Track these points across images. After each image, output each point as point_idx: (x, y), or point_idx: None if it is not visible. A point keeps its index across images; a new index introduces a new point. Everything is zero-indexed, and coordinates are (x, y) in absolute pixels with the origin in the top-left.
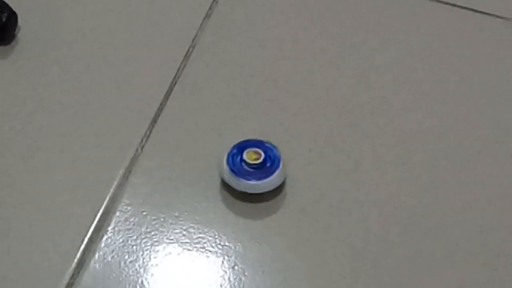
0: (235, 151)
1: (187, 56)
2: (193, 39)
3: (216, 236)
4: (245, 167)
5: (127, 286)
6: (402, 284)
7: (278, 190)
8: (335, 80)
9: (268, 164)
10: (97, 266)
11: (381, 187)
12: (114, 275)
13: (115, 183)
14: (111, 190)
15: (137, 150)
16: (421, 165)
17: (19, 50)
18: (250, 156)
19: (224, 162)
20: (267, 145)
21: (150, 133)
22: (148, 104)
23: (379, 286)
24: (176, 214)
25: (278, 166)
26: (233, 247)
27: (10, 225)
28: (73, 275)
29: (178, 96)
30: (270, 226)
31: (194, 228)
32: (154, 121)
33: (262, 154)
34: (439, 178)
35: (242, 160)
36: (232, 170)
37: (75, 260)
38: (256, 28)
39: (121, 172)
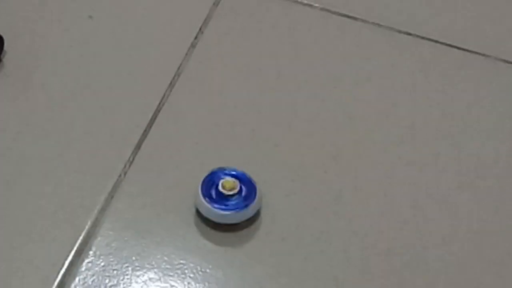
0: (208, 180)
1: (171, 84)
2: (178, 68)
3: (197, 263)
4: (219, 196)
5: None
6: None
7: (260, 219)
8: (319, 112)
9: (243, 195)
10: None
11: (362, 218)
12: None
13: (98, 207)
14: (93, 215)
15: (120, 175)
16: (402, 198)
17: (4, 74)
18: (226, 185)
19: (199, 191)
20: (242, 174)
21: (133, 159)
22: (132, 131)
23: None
24: (158, 240)
25: (255, 197)
26: (214, 274)
27: None
28: None
29: (162, 123)
30: (251, 254)
31: (175, 254)
32: (138, 147)
33: (238, 183)
34: (420, 211)
35: (217, 189)
36: (207, 200)
37: (56, 284)
38: (241, 59)
39: (103, 197)
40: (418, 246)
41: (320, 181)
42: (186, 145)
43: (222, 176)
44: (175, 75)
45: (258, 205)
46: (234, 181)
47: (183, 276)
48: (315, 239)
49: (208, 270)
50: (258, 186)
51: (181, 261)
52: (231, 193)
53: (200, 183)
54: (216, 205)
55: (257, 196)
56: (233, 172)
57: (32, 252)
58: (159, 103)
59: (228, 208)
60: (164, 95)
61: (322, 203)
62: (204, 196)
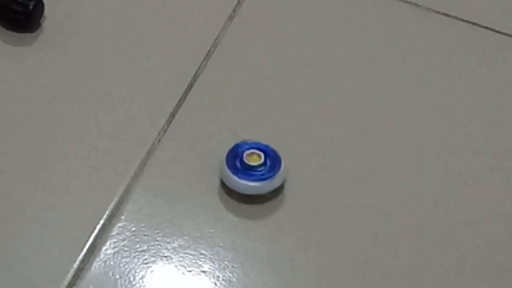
0: (235, 151)
1: (208, 55)
2: (215, 39)
3: (227, 232)
4: (244, 168)
5: (137, 274)
6: None
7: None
8: (353, 88)
9: (268, 167)
10: (108, 253)
11: (392, 195)
12: (124, 262)
13: (130, 173)
14: (126, 181)
15: (153, 143)
16: (433, 177)
17: (43, 38)
18: (251, 158)
19: (224, 162)
20: (265, 146)
21: (167, 127)
22: (167, 99)
23: None
24: (188, 208)
25: (279, 168)
26: (243, 244)
27: (24, 208)
28: (83, 260)
29: (197, 93)
30: (280, 226)
31: (205, 223)
32: (172, 116)
33: (262, 155)
34: (451, 191)
35: (241, 161)
36: (231, 171)
37: (87, 246)
38: (278, 32)
39: (136, 163)
40: (447, 226)
41: (352, 157)
42: (220, 116)
43: (246, 148)
44: (211, 46)
45: (282, 176)
46: (258, 153)
47: (212, 244)
48: (345, 214)
49: (237, 240)
50: (282, 158)
51: (211, 230)
52: (255, 164)
53: (225, 155)
54: (240, 176)
55: (281, 167)
56: (257, 145)
57: (64, 214)
58: (195, 73)
59: (252, 179)
60: (200, 65)
61: (353, 179)
62: (229, 167)
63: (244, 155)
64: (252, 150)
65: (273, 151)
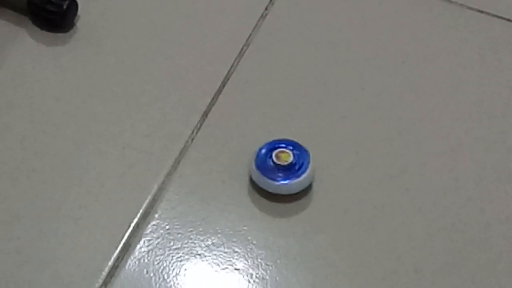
0: (264, 151)
1: (240, 54)
2: (248, 38)
3: (260, 230)
4: (274, 167)
5: (171, 272)
6: None
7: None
8: (386, 86)
9: (297, 166)
10: (142, 251)
11: (426, 193)
12: (158, 260)
13: (164, 172)
14: (160, 179)
15: (187, 141)
16: (468, 174)
17: (77, 38)
18: (280, 157)
19: (253, 162)
20: (294, 144)
21: (201, 126)
22: (201, 98)
23: None
24: (222, 206)
25: (306, 169)
26: (276, 242)
27: (59, 206)
28: (118, 258)
29: (230, 92)
30: (313, 224)
31: (238, 221)
32: (206, 114)
33: (291, 154)
34: (485, 188)
35: (271, 160)
36: (260, 170)
37: (121, 244)
38: (310, 31)
39: (170, 162)
40: (481, 224)
41: (385, 155)
42: (253, 114)
43: (276, 147)
44: (244, 45)
45: (312, 174)
46: (288, 152)
47: (245, 242)
48: (378, 212)
49: (270, 238)
50: (314, 156)
51: (244, 228)
52: (285, 163)
53: (254, 155)
54: (270, 176)
55: (310, 165)
56: (285, 144)
57: (99, 212)
58: (228, 72)
59: (281, 179)
60: (233, 64)
61: (386, 177)
62: (258, 168)
63: (274, 154)
64: (281, 149)
65: (301, 148)
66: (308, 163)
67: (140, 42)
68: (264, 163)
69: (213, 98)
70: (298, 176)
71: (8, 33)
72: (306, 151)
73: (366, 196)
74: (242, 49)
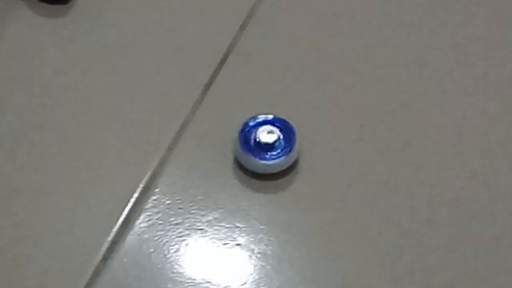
0: (247, 128)
1: (243, 26)
2: (250, 10)
3: (262, 205)
4: (258, 145)
5: (172, 247)
6: (446, 264)
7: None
8: (391, 59)
9: (282, 141)
10: (142, 226)
11: (430, 167)
12: (159, 235)
13: (165, 146)
14: (160, 154)
15: (188, 115)
16: (473, 148)
17: (77, 10)
18: (264, 135)
19: (237, 140)
20: (281, 121)
21: (202, 99)
22: (202, 71)
23: (423, 265)
24: (223, 181)
25: (293, 146)
26: (278, 217)
27: (57, 181)
28: (117, 233)
29: (232, 65)
30: (316, 199)
31: (240, 196)
32: (207, 87)
33: (277, 132)
34: (490, 162)
35: (255, 138)
36: (244, 149)
37: (121, 219)
38: (313, 3)
39: (171, 136)
40: (486, 198)
41: (389, 128)
42: (255, 88)
43: (259, 125)
44: (246, 17)
45: (296, 152)
46: (271, 129)
47: (247, 217)
48: (382, 186)
49: (273, 213)
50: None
51: (246, 203)
52: (269, 141)
53: (237, 134)
54: (256, 155)
55: (296, 142)
56: (269, 119)
57: (98, 187)
58: (230, 45)
59: (267, 158)
60: (235, 36)
61: (390, 150)
62: (243, 148)
63: (257, 132)
64: (264, 127)
65: (286, 123)
66: (295, 136)
67: (141, 14)
68: (249, 143)
69: (215, 71)
70: (286, 154)
71: (5, 5)
72: (290, 124)
73: (370, 170)
74: (244, 20)
